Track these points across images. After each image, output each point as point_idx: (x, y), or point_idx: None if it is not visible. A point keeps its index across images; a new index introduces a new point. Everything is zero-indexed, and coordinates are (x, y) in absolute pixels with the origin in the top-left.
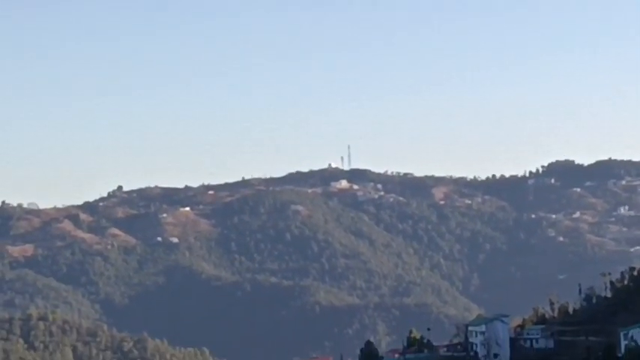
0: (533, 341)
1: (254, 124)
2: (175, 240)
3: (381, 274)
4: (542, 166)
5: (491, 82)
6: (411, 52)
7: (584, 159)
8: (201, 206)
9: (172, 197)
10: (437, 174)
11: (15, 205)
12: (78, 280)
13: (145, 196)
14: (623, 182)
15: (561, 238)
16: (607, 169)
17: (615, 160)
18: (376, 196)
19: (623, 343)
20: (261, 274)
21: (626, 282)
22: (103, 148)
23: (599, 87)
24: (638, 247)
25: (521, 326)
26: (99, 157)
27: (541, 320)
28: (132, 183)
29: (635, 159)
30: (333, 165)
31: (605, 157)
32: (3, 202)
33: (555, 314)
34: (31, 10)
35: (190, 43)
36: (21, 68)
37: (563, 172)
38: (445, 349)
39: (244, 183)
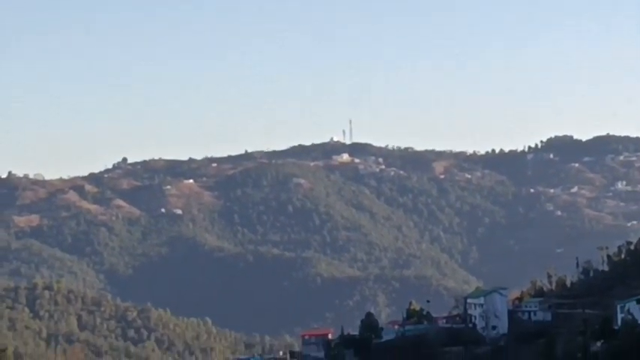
0: (531, 314)
1: (257, 99)
2: (179, 211)
3: (382, 247)
4: (541, 141)
5: (491, 58)
6: (412, 27)
7: (583, 134)
8: (204, 178)
9: (176, 169)
10: (437, 148)
11: (21, 175)
12: (83, 250)
13: (149, 168)
14: (621, 157)
15: (559, 213)
16: (605, 145)
17: (613, 136)
18: (377, 170)
19: (620, 315)
20: (264, 245)
21: (622, 256)
22: (108, 120)
23: (598, 63)
24: (635, 222)
25: (520, 299)
26: (104, 129)
27: (539, 293)
28: (136, 155)
29: (633, 135)
30: (335, 139)
31: (603, 133)
32: (9, 173)
33: (553, 287)
34: None
35: (193, 16)
36: (25, 40)
37: (562, 147)
38: (444, 320)
39: (247, 156)
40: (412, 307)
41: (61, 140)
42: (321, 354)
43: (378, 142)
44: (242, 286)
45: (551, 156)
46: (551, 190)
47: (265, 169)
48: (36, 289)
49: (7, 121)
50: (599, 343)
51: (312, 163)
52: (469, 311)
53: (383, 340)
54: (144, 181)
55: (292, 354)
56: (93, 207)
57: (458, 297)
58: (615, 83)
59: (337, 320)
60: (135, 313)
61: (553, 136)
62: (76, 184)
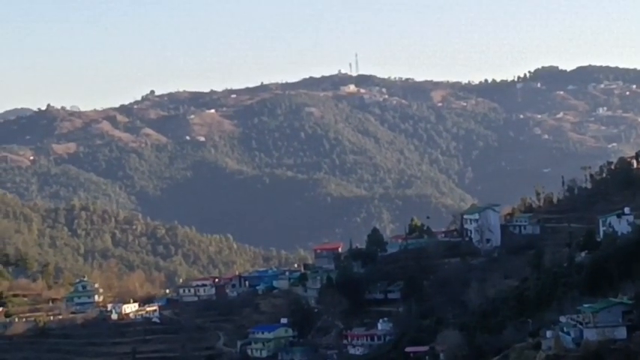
0: (522, 228)
1: (272, 35)
2: (202, 139)
3: (386, 169)
4: (529, 72)
5: None
6: None
7: (567, 65)
8: (224, 108)
9: (199, 100)
10: (435, 79)
11: (59, 107)
12: (115, 174)
13: (174, 99)
14: (602, 86)
15: (546, 136)
16: (587, 74)
17: (595, 66)
18: (381, 99)
19: (602, 229)
20: (279, 168)
21: (604, 175)
22: (138, 56)
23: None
24: (614, 144)
25: (511, 214)
26: (134, 64)
27: (528, 209)
28: (163, 88)
29: (613, 65)
30: (343, 71)
31: (585, 63)
32: (48, 105)
33: (541, 204)
34: None
35: None
36: None
37: (548, 76)
38: (443, 235)
39: (263, 87)
40: (414, 223)
41: (95, 75)
42: (332, 266)
43: (382, 74)
44: (260, 205)
45: (539, 85)
46: (539, 116)
47: (280, 100)
48: (74, 210)
49: (46, 57)
50: (583, 254)
51: (322, 94)
52: (465, 226)
53: (387, 252)
54: (170, 111)
55: (306, 266)
56: (124, 135)
57: (455, 213)
58: (596, 17)
59: (346, 235)
60: (163, 231)
61: (540, 66)
62: (108, 115)
